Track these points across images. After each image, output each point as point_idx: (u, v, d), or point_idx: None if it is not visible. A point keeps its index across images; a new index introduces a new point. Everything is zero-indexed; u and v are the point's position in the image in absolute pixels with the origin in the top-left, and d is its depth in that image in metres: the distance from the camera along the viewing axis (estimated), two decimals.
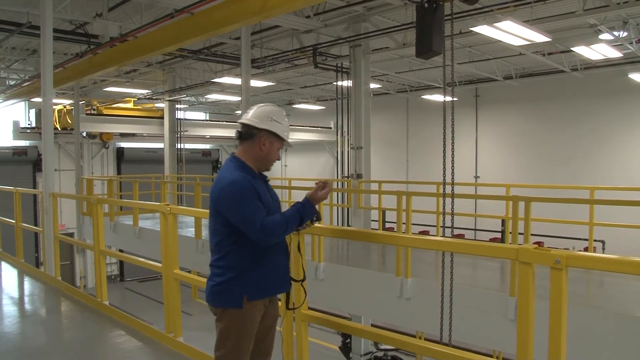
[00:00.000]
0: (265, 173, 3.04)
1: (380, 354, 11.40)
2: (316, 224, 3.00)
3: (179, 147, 19.69)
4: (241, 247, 2.78)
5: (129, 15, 10.72)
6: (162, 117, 19.99)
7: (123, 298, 19.90)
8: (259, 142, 2.86)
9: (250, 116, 2.89)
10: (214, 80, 15.32)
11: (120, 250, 11.69)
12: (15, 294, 6.89)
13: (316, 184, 2.88)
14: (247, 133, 2.87)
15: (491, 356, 10.10)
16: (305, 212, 2.79)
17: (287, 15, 10.16)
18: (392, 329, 7.35)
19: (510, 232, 6.80)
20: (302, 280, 3.18)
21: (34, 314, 6.00)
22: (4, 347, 4.58)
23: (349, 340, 11.32)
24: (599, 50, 11.06)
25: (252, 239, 2.72)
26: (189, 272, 7.45)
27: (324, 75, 16.23)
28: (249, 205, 2.71)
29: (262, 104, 2.99)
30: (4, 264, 8.17)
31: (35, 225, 15.04)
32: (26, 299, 6.73)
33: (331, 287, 7.34)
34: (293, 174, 23.35)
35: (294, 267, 3.12)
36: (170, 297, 4.54)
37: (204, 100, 21.52)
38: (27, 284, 7.31)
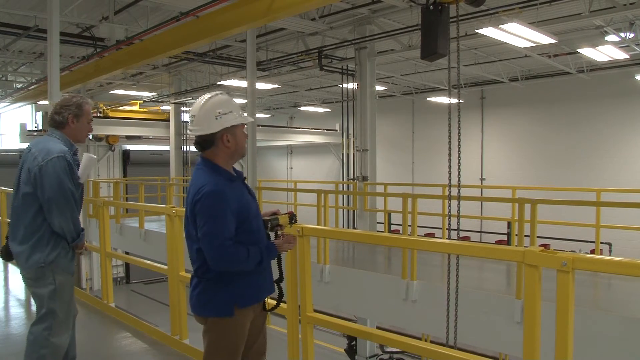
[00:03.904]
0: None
1: (385, 356, 11.38)
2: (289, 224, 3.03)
3: (184, 149, 19.73)
4: None
5: (135, 19, 10.78)
6: (167, 120, 20.05)
7: (129, 300, 19.93)
8: (223, 143, 2.67)
9: (199, 126, 2.67)
10: (219, 82, 15.37)
11: (126, 253, 11.73)
12: (22, 296, 6.92)
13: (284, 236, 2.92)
14: (207, 142, 2.68)
15: (497, 359, 10.06)
16: (268, 254, 2.72)
17: (293, 18, 10.17)
18: (397, 332, 7.38)
19: (516, 235, 6.77)
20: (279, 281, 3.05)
21: None
22: (12, 349, 4.60)
23: (354, 342, 11.31)
24: (605, 52, 11.02)
25: (206, 257, 2.56)
26: None
27: (330, 78, 16.25)
28: (221, 221, 2.56)
29: (199, 104, 2.71)
30: (10, 266, 8.21)
31: None
32: (32, 301, 6.75)
33: (337, 289, 7.34)
34: (298, 176, 23.39)
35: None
36: (176, 299, 4.55)
37: None
38: None
